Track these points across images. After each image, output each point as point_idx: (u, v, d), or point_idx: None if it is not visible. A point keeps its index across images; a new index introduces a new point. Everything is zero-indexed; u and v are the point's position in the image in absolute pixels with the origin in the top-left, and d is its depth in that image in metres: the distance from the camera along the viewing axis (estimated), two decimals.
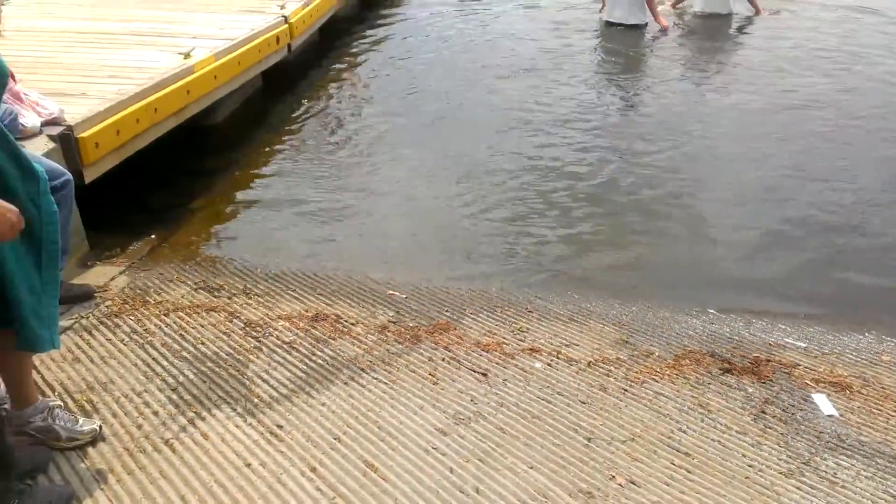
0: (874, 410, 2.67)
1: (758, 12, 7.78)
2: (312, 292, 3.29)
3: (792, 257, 3.82)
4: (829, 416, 2.63)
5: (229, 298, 3.13)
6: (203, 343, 2.79)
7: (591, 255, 3.85)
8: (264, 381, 2.60)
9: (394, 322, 3.09)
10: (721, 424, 2.57)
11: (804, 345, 3.10)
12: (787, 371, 2.88)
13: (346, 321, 3.05)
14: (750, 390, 2.77)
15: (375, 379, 2.67)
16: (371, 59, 6.80)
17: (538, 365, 2.87)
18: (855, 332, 3.21)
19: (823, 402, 2.69)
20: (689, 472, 2.34)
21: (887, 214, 4.17)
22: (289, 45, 6.03)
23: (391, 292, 3.36)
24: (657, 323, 3.27)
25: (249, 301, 3.13)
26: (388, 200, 4.37)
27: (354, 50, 7.00)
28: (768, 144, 5.08)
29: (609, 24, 7.54)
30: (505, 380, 2.75)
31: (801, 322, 3.27)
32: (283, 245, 3.82)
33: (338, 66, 6.59)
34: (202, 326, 2.90)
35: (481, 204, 4.31)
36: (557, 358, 2.93)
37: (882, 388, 2.81)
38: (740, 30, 7.70)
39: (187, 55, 4.60)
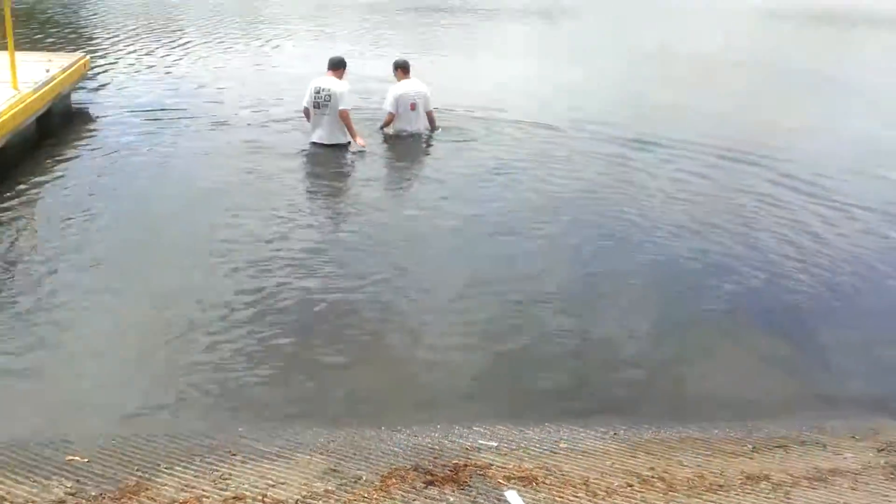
0: (557, 498, 2.94)
1: (433, 127, 8.53)
2: None
3: (484, 365, 4.12)
4: None
5: None
6: None
7: (297, 385, 3.82)
8: None
9: (73, 494, 2.75)
10: None
11: (495, 444, 3.34)
12: (482, 473, 3.06)
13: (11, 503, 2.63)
14: (451, 500, 2.88)
15: None
16: (49, 197, 6.15)
17: None
18: (537, 424, 3.54)
19: (514, 499, 2.90)
20: None
21: (561, 318, 4.70)
22: None
23: (70, 457, 3.00)
24: (364, 444, 3.31)
25: None
26: (60, 352, 3.96)
27: (29, 186, 6.33)
28: (460, 258, 5.46)
29: (313, 143, 7.80)
30: None
31: (493, 422, 3.53)
32: None
33: (8, 203, 5.90)
34: None
35: (176, 344, 4.07)
36: (263, 502, 2.80)
37: (562, 474, 3.11)
38: (429, 146, 8.37)
39: None
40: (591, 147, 8.56)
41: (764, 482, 3.20)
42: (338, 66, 7.79)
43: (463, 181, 7.14)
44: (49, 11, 18.06)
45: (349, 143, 7.79)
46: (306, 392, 3.76)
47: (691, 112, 10.87)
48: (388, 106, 8.23)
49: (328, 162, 7.56)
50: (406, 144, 8.23)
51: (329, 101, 7.59)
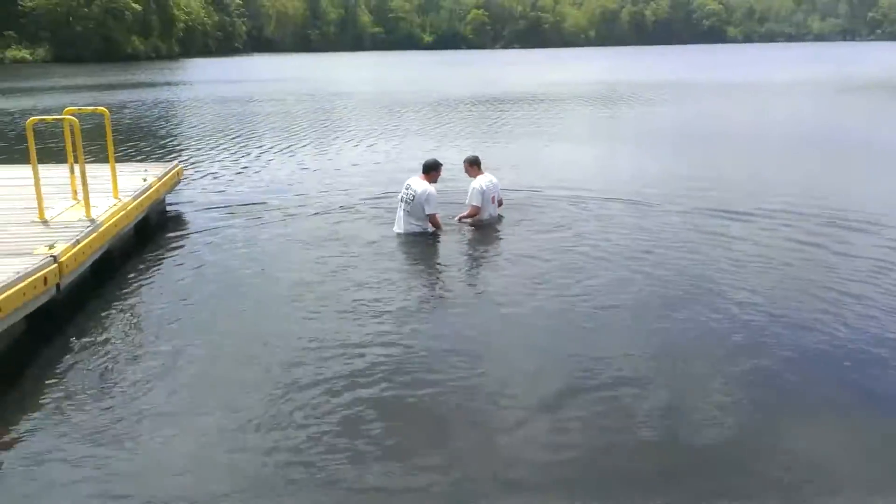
0: None
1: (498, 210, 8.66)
2: None
3: (572, 453, 3.94)
4: None
5: None
6: None
7: (383, 472, 3.71)
8: None
9: None
10: None
11: None
12: None
13: None
14: None
15: None
16: (149, 295, 6.40)
17: None
18: None
19: None
20: None
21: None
22: (57, 285, 5.67)
23: None
24: None
25: None
26: (168, 447, 3.99)
27: (130, 286, 6.60)
28: (552, 343, 5.32)
29: (396, 233, 8.13)
30: None
31: None
32: None
33: (112, 303, 6.15)
34: None
35: (264, 430, 4.09)
36: None
37: None
38: (512, 228, 8.40)
39: None
40: (683, 220, 8.58)
41: None
42: (427, 170, 8.21)
43: (554, 258, 7.17)
44: (145, 126, 19.41)
45: (428, 231, 8.02)
46: (393, 479, 3.67)
47: (775, 184, 10.79)
48: (474, 201, 8.48)
49: (413, 250, 7.69)
50: (491, 229, 8.36)
51: (412, 200, 8.01)
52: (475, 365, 4.95)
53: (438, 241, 7.87)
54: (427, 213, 7.97)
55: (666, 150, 14.75)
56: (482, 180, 8.53)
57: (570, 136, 16.82)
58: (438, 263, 7.48)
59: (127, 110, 23.56)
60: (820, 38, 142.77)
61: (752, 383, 4.67)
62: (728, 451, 3.93)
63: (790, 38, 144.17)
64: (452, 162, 9.04)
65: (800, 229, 8.06)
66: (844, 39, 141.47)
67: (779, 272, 6.68)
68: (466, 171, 8.72)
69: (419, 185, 8.01)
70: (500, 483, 3.67)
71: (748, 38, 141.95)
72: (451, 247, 7.78)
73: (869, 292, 6.07)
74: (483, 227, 8.35)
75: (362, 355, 5.03)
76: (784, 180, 11.15)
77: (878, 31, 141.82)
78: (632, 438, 4.04)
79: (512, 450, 3.95)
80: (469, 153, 9.04)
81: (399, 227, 8.13)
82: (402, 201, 8.11)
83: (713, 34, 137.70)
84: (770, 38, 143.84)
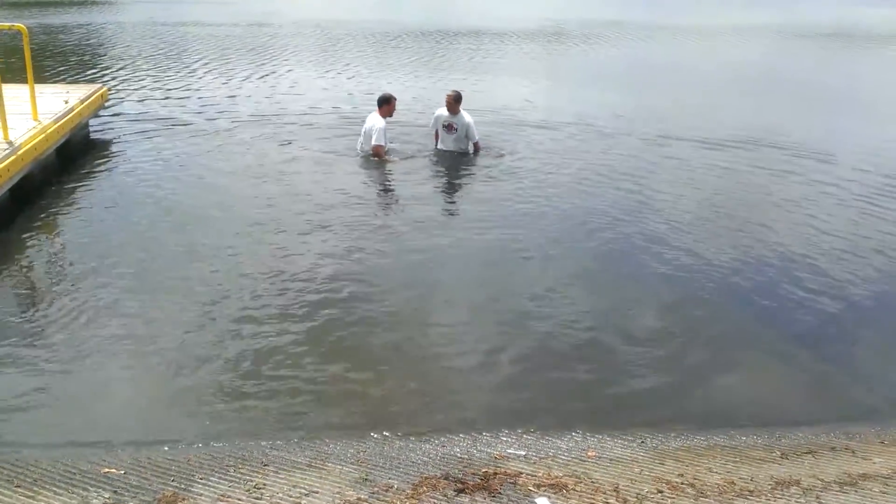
0: None
1: (477, 150, 8.66)
2: (9, 485, 2.85)
3: (510, 375, 4.12)
4: None
5: None
6: None
7: (325, 396, 3.85)
8: None
9: None
10: None
11: (523, 452, 3.36)
12: (512, 481, 3.08)
13: None
14: None
15: None
16: (71, 223, 6.24)
17: None
18: (564, 432, 3.55)
19: None
20: None
21: (582, 323, 4.72)
22: None
23: (107, 470, 3.04)
24: (394, 454, 3.33)
25: None
26: (96, 368, 3.99)
27: (51, 213, 6.42)
28: (489, 274, 5.46)
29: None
30: None
31: (520, 431, 3.55)
32: None
33: (31, 231, 5.97)
34: None
35: (206, 359, 4.11)
36: None
37: (592, 482, 3.12)
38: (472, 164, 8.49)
39: None
40: (638, 147, 9.04)
41: (794, 487, 3.21)
42: (380, 104, 8.33)
43: (512, 184, 7.48)
44: (70, 47, 18.42)
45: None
46: (334, 403, 3.78)
47: (730, 117, 11.18)
48: (478, 135, 8.62)
49: (352, 177, 7.77)
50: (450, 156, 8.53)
51: (368, 136, 8.26)
52: (423, 292, 5.08)
53: (390, 169, 8.01)
54: (372, 143, 8.14)
55: (621, 85, 14.97)
56: (468, 115, 8.57)
57: (526, 69, 16.71)
58: (388, 188, 7.59)
59: (51, 30, 22.23)
60: None
61: (675, 311, 4.95)
62: (660, 379, 4.15)
63: None
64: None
65: (753, 158, 8.64)
66: None
67: (731, 201, 7.18)
68: (452, 106, 8.46)
69: (373, 121, 8.23)
70: (444, 406, 3.81)
71: None
72: (402, 173, 7.90)
73: (815, 226, 6.53)
74: (444, 155, 8.52)
75: (304, 284, 5.07)
76: (738, 114, 11.58)
77: None
78: (562, 360, 4.26)
79: (456, 377, 4.10)
80: (451, 89, 8.75)
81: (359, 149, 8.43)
82: (361, 141, 8.38)
83: None
84: None
